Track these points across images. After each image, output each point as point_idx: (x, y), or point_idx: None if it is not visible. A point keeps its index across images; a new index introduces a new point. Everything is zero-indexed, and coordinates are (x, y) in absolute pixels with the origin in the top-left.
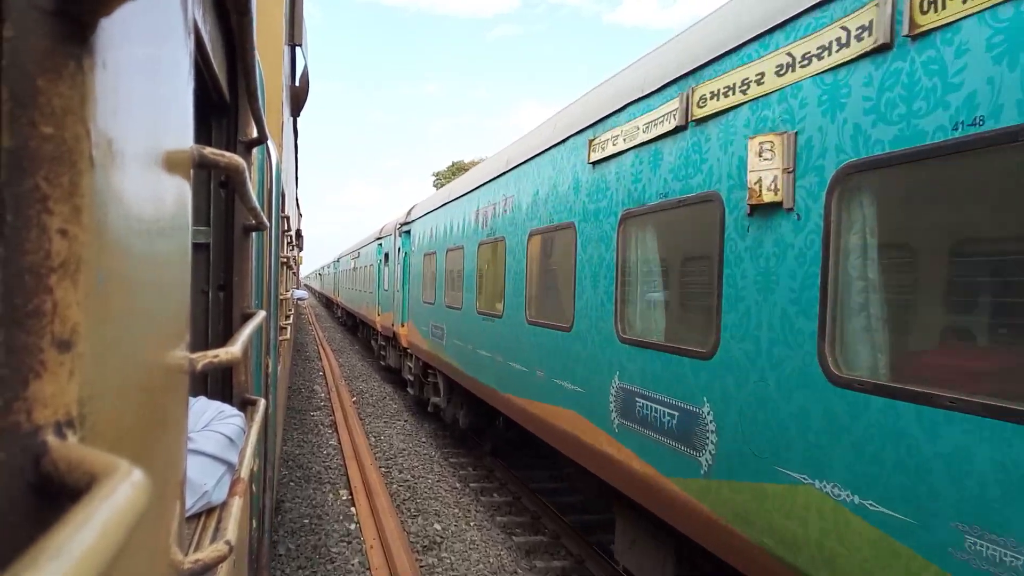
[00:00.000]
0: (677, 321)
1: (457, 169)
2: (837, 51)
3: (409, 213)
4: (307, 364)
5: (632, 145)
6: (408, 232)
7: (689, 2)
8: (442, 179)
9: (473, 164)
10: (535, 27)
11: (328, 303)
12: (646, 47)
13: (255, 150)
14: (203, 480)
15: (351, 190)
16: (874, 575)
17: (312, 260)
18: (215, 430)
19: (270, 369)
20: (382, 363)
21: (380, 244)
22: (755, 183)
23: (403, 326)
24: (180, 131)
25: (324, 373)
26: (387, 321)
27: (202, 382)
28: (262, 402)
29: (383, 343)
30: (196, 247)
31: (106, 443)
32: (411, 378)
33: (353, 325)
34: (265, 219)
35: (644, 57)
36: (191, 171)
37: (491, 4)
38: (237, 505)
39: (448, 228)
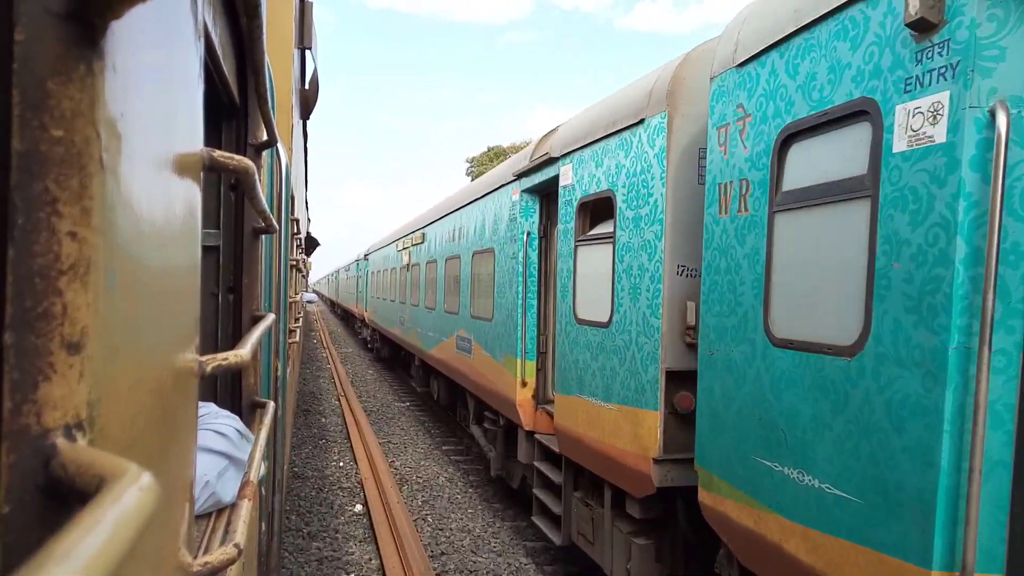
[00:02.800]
0: None
1: (496, 155)
2: None
3: None
4: (320, 494)
5: None
6: None
7: (702, 7)
8: (478, 165)
9: (513, 149)
10: (547, 32)
11: (346, 316)
12: (660, 52)
13: (265, 153)
14: (203, 472)
15: (353, 191)
16: None
17: (318, 261)
18: (209, 427)
19: (279, 372)
20: (555, 538)
21: (587, 166)
22: None
23: None
24: (190, 134)
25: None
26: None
27: (211, 385)
28: (271, 404)
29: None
30: (206, 250)
31: (115, 446)
32: None
33: (393, 356)
34: (274, 222)
35: None
36: (201, 174)
37: (504, 10)
38: (246, 508)
39: None
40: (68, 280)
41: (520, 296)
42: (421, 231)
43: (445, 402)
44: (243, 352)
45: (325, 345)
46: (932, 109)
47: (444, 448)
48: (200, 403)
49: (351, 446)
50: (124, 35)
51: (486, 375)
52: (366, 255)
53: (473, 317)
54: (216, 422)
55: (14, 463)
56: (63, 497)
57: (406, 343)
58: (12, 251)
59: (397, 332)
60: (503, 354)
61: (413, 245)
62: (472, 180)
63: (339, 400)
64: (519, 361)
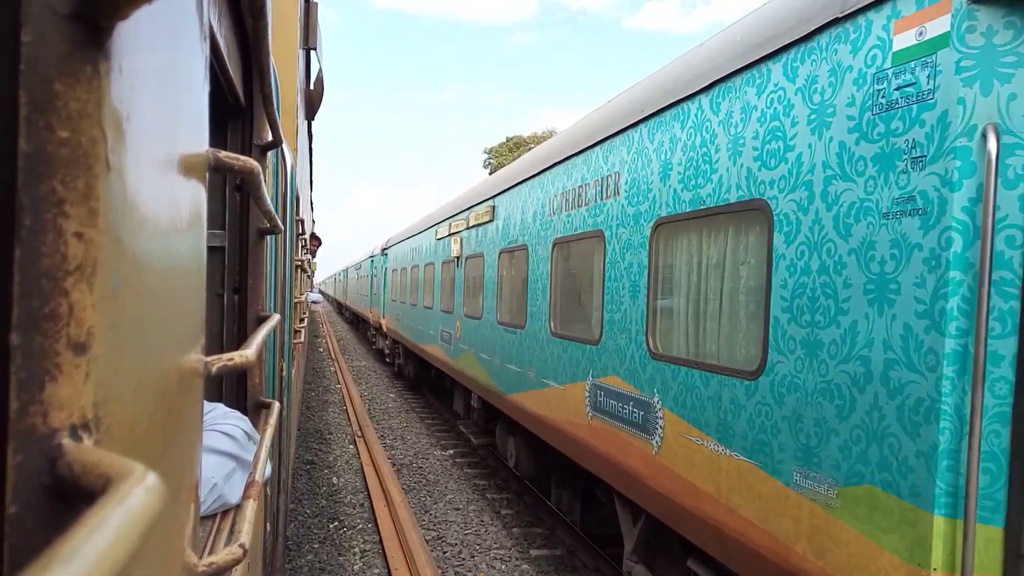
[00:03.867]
0: None
1: (516, 145)
2: None
3: None
4: None
5: None
6: None
7: (710, 7)
8: (496, 156)
9: (535, 139)
10: (553, 33)
11: (356, 320)
12: (667, 52)
13: (270, 153)
14: (210, 475)
15: (358, 192)
16: None
17: (322, 261)
18: (217, 428)
19: (284, 372)
20: None
21: None
22: None
23: None
24: (195, 134)
25: None
26: None
27: (216, 385)
28: (276, 405)
29: None
30: (211, 250)
31: (121, 446)
32: None
33: (421, 375)
34: (280, 222)
35: None
36: (206, 174)
37: (509, 11)
38: (252, 508)
39: None
40: (74, 281)
41: (949, 322)
42: (488, 203)
43: (529, 473)
44: (248, 352)
45: (333, 356)
46: None
47: (535, 555)
48: (208, 403)
49: (381, 544)
50: (130, 36)
51: (736, 511)
52: (383, 249)
53: (700, 367)
54: (224, 423)
55: (20, 463)
56: (69, 497)
57: (457, 373)
58: (19, 251)
59: (438, 354)
60: (856, 483)
61: (469, 228)
62: (491, 173)
63: (355, 443)
64: (939, 521)
